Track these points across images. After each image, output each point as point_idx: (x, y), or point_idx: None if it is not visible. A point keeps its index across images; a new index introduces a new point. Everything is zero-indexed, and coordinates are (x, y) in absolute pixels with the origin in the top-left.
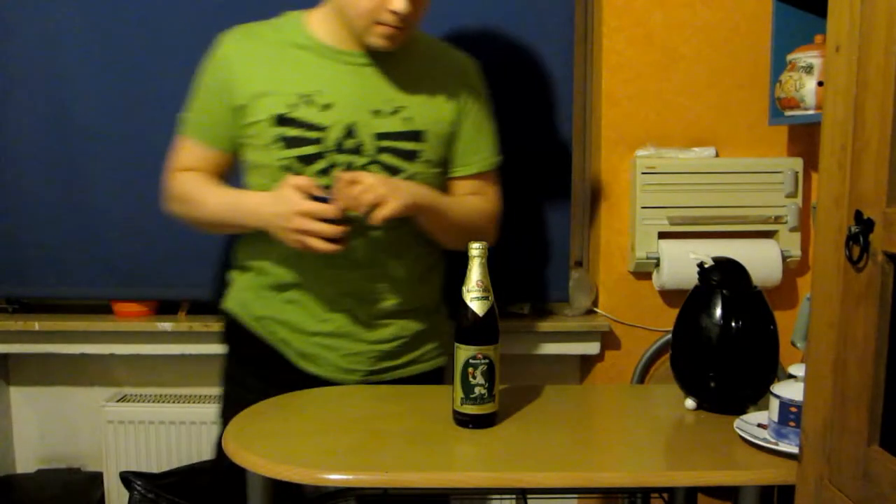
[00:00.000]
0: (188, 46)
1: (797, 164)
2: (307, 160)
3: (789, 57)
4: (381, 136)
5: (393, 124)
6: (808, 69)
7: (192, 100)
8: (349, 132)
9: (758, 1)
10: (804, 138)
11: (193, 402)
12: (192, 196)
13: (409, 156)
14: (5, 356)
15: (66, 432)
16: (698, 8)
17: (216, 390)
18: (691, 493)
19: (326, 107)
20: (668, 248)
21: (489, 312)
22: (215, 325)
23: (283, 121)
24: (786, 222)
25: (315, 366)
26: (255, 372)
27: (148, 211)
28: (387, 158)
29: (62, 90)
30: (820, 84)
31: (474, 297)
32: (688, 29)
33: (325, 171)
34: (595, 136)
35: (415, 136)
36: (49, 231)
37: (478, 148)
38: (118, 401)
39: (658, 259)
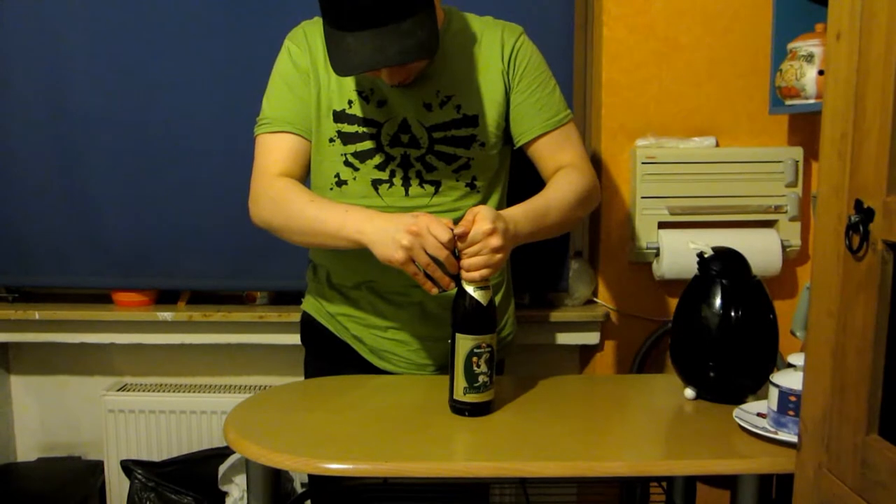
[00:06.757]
0: (187, 36)
1: (797, 153)
2: (363, 156)
3: (790, 45)
4: (434, 127)
5: (445, 115)
6: (809, 58)
7: (273, 95)
8: (403, 127)
9: None
10: (805, 127)
11: (193, 392)
12: (289, 200)
13: (465, 142)
14: (6, 345)
15: (67, 421)
16: None
17: (216, 380)
18: (690, 481)
19: (381, 103)
20: (668, 238)
21: (490, 302)
22: (215, 315)
23: (340, 117)
24: (786, 212)
25: (386, 362)
26: (332, 370)
27: (148, 200)
28: (442, 148)
29: (61, 80)
30: (821, 73)
31: (477, 286)
32: (688, 18)
33: (381, 166)
34: (595, 125)
35: (468, 122)
36: (49, 221)
37: (539, 109)
38: (118, 390)
39: (658, 249)
